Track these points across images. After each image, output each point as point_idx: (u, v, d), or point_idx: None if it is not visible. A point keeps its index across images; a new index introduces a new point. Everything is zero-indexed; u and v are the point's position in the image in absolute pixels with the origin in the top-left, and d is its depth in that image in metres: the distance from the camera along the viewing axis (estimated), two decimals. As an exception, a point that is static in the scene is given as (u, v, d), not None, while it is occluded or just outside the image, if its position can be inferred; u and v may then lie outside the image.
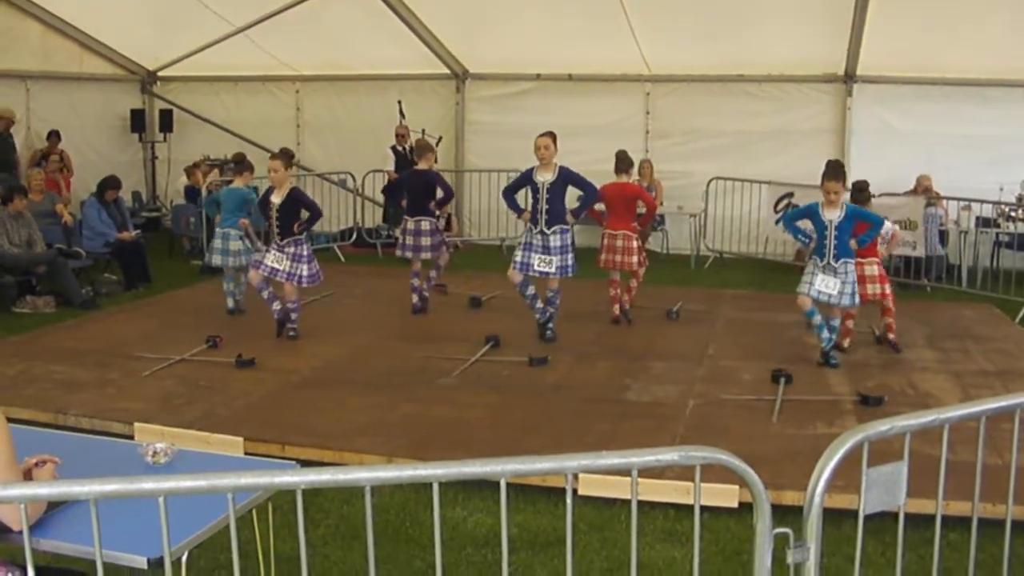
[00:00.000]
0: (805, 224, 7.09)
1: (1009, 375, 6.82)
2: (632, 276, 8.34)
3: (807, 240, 7.08)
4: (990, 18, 9.73)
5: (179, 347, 7.16)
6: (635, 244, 8.07)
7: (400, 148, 12.07)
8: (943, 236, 10.69)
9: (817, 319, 6.92)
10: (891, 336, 7.46)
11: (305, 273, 7.49)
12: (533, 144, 7.49)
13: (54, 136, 11.95)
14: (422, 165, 8.72)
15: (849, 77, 11.74)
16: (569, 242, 7.54)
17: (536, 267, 7.45)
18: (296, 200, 7.54)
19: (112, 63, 13.60)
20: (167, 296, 9.54)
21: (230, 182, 9.36)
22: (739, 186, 11.66)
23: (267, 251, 7.65)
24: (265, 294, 7.64)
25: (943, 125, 11.18)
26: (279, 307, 7.63)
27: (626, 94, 12.60)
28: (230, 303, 8.55)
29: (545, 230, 7.42)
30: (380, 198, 13.03)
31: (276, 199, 7.48)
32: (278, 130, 13.74)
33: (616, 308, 8.31)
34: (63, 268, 9.22)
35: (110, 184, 10.59)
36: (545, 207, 7.42)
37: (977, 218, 10.69)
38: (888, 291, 7.36)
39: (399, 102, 12.29)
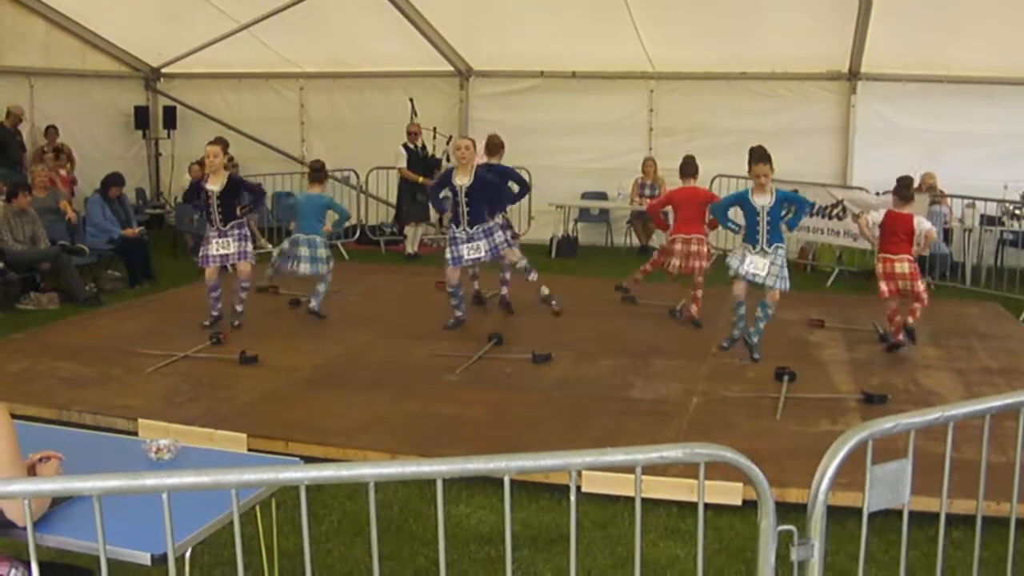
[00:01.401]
0: (736, 213, 7.11)
1: (1013, 373, 6.81)
2: (695, 286, 8.08)
3: (736, 228, 7.16)
4: (994, 15, 9.70)
5: (183, 344, 7.16)
6: (707, 250, 7.98)
7: (412, 146, 12.03)
8: (947, 234, 10.67)
9: (742, 310, 6.99)
10: (911, 320, 7.20)
11: (250, 248, 7.74)
12: (455, 145, 7.74)
13: (52, 130, 11.97)
14: (493, 160, 8.56)
15: (853, 75, 11.73)
16: (492, 227, 7.62)
17: (467, 256, 7.58)
18: (237, 185, 7.72)
19: (116, 60, 13.62)
20: (171, 293, 9.55)
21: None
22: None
23: (206, 242, 7.70)
24: (216, 293, 7.79)
25: (947, 123, 11.17)
26: (220, 308, 7.81)
27: (630, 91, 12.59)
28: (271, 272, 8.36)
29: (468, 229, 7.57)
30: (383, 195, 13.03)
31: (214, 186, 7.58)
32: (282, 127, 13.77)
33: (694, 308, 8.06)
34: (67, 265, 9.23)
35: (113, 181, 10.62)
36: (466, 210, 7.53)
37: (981, 216, 10.66)
38: (920, 288, 7.12)
39: (411, 100, 12.27)
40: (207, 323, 7.77)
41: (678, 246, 7.94)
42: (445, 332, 7.78)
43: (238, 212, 7.68)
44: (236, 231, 7.66)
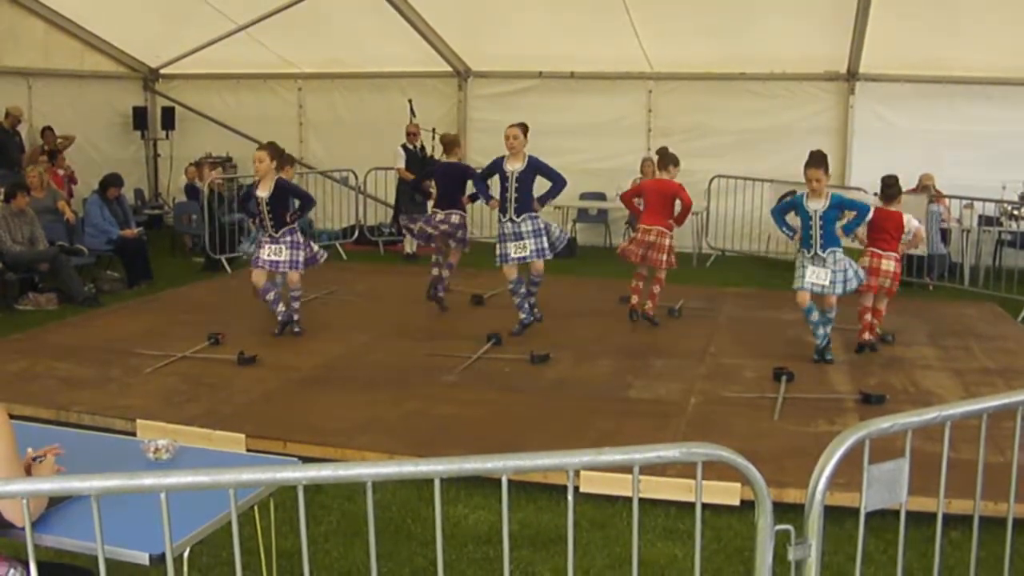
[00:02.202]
0: (792, 218, 7.11)
1: (1011, 373, 6.82)
2: (655, 281, 8.13)
3: (791, 233, 7.16)
4: (992, 16, 9.72)
5: (181, 344, 7.16)
6: (667, 243, 7.93)
7: (411, 146, 12.01)
8: (945, 235, 10.67)
9: (815, 316, 6.96)
10: (867, 336, 7.33)
11: (302, 258, 7.49)
12: (503, 134, 7.56)
13: (48, 132, 11.96)
14: (452, 158, 8.62)
15: (851, 75, 11.74)
16: (541, 227, 7.55)
17: (513, 255, 7.49)
18: (285, 190, 7.54)
19: (114, 60, 13.62)
20: (169, 293, 9.55)
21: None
22: (741, 184, 11.66)
23: (259, 246, 7.57)
24: (271, 295, 7.55)
25: (945, 123, 11.19)
26: (283, 308, 7.59)
27: (628, 92, 12.60)
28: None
29: (515, 218, 7.49)
30: (382, 195, 13.03)
31: (263, 192, 7.42)
32: (280, 128, 13.72)
33: (634, 297, 8.12)
34: (65, 265, 9.23)
35: (112, 181, 10.62)
36: (514, 195, 7.48)
37: (979, 216, 10.68)
38: (894, 290, 7.28)
39: (410, 100, 12.26)
40: (276, 331, 7.56)
41: (639, 235, 7.98)
42: (443, 332, 7.78)
43: (289, 219, 7.47)
44: (288, 238, 7.43)
